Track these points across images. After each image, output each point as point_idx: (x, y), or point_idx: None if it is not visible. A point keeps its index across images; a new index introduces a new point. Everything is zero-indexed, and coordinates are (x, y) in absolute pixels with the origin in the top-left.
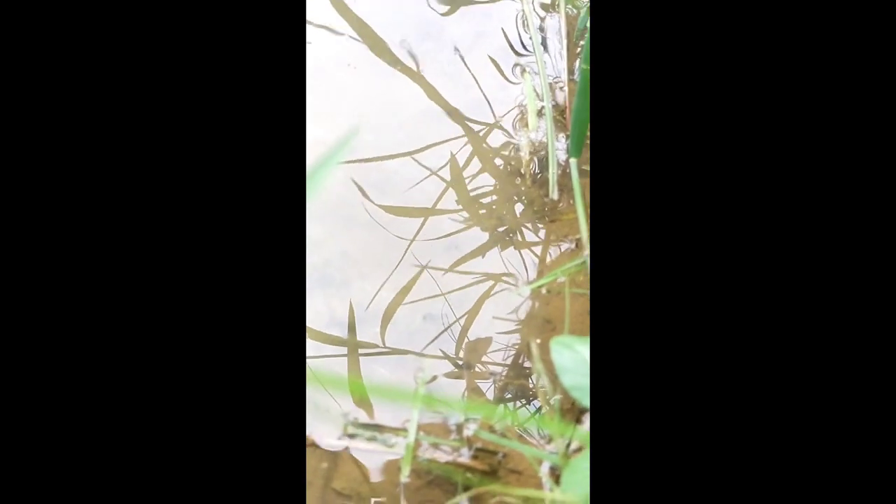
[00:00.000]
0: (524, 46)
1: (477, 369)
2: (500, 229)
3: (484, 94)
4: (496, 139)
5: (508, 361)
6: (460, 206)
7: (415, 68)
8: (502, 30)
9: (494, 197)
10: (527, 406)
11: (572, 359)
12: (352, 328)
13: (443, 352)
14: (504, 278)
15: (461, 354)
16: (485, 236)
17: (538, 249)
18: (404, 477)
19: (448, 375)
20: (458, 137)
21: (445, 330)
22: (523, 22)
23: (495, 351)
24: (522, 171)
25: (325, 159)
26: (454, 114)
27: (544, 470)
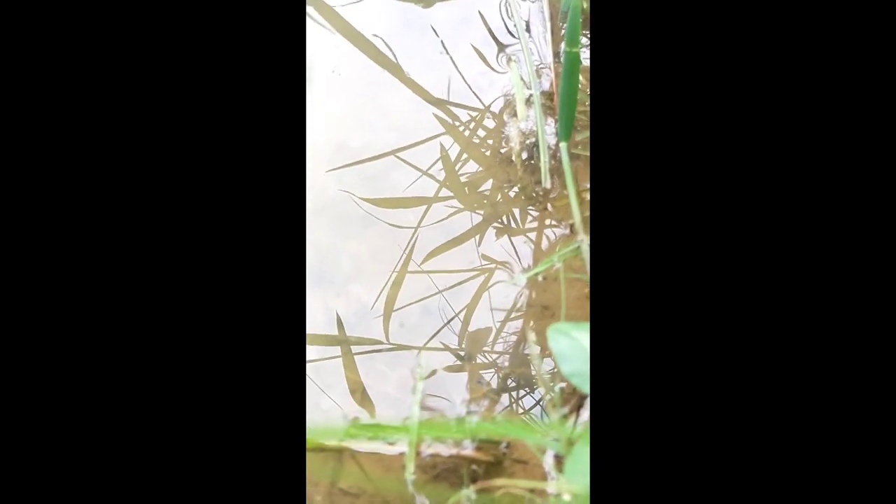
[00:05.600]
0: (510, 33)
1: (478, 360)
2: (496, 223)
3: (469, 85)
4: (486, 126)
5: (510, 350)
6: (452, 193)
7: (395, 62)
8: (480, 14)
9: (489, 183)
10: (530, 394)
11: (570, 346)
12: (344, 339)
13: (444, 344)
14: (500, 267)
15: (463, 346)
16: (481, 225)
17: (532, 236)
18: (409, 474)
19: (449, 369)
20: (443, 134)
21: (446, 324)
22: (507, 9)
23: (496, 342)
24: (513, 159)
25: None
26: (441, 106)
27: (548, 459)
